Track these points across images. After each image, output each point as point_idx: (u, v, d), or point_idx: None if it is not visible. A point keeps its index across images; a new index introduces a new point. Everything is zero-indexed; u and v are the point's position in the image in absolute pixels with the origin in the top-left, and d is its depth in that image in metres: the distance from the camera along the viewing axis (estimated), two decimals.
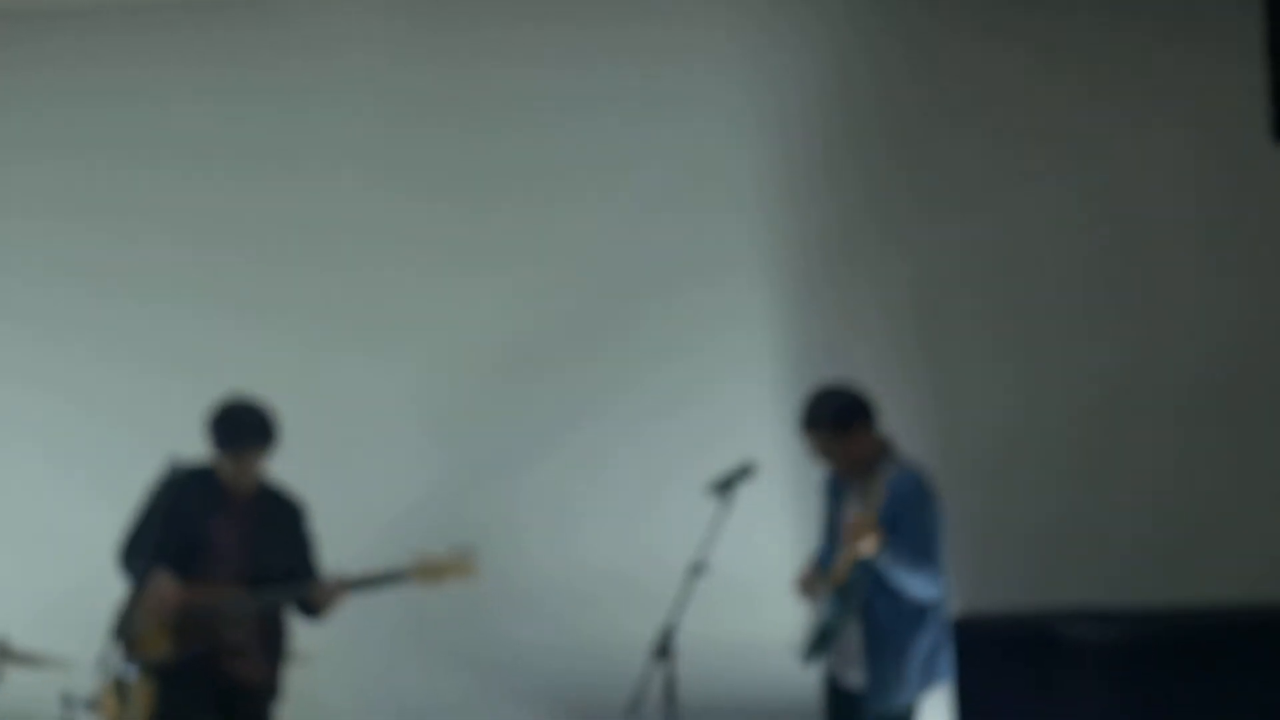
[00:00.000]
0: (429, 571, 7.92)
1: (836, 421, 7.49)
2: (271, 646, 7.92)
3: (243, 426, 7.85)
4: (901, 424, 8.15)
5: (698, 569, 7.39)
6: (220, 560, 7.83)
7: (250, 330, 9.43)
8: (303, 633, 8.43)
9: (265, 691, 7.92)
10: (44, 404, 9.45)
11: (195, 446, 7.95)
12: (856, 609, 7.40)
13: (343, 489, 8.79)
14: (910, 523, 7.32)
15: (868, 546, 7.19)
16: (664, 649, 7.35)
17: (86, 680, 8.20)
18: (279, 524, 7.98)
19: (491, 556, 9.21)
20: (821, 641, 7.47)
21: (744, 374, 9.21)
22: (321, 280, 9.44)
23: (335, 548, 8.21)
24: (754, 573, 8.52)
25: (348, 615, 9.13)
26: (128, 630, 7.77)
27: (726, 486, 7.54)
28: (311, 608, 7.93)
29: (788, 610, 8.11)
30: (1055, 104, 9.12)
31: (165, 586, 7.72)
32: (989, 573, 8.69)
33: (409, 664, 9.34)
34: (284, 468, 8.13)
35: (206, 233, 9.49)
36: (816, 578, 7.53)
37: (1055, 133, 9.12)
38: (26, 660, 8.29)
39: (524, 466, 9.35)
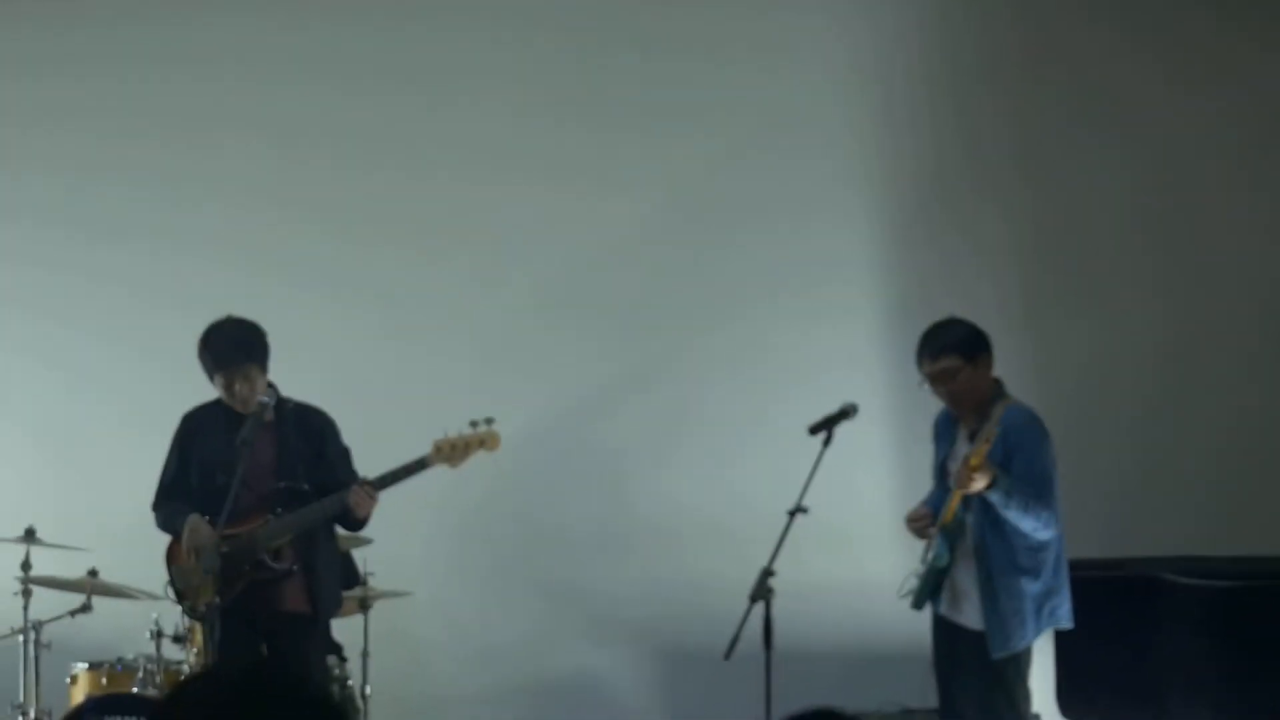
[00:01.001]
0: (451, 452, 7.47)
1: (966, 348, 7.27)
2: (315, 572, 7.55)
3: (226, 347, 7.51)
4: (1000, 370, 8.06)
5: (797, 512, 7.24)
6: (248, 487, 7.46)
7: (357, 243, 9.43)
8: (397, 570, 8.39)
9: (310, 618, 7.57)
10: (151, 315, 9.38)
11: (288, 370, 7.84)
12: (963, 550, 7.29)
13: (432, 424, 8.71)
14: (1024, 460, 7.13)
15: (979, 483, 7.06)
16: (762, 591, 7.19)
17: (176, 612, 8.19)
18: (303, 441, 7.61)
19: (586, 496, 9.22)
20: (933, 585, 7.35)
21: (840, 318, 9.19)
22: (422, 195, 9.39)
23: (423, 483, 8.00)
24: (850, 516, 8.46)
25: (441, 551, 9.13)
26: (177, 584, 7.61)
27: (826, 428, 7.36)
28: (351, 520, 7.55)
29: (884, 554, 8.04)
30: (1138, 71, 9.19)
31: (200, 533, 7.46)
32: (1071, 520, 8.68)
33: (501, 602, 9.29)
34: (372, 394, 8.07)
35: (321, 146, 9.48)
36: (928, 520, 7.38)
37: (1138, 98, 9.17)
38: (116, 592, 8.26)
39: (618, 407, 9.30)
